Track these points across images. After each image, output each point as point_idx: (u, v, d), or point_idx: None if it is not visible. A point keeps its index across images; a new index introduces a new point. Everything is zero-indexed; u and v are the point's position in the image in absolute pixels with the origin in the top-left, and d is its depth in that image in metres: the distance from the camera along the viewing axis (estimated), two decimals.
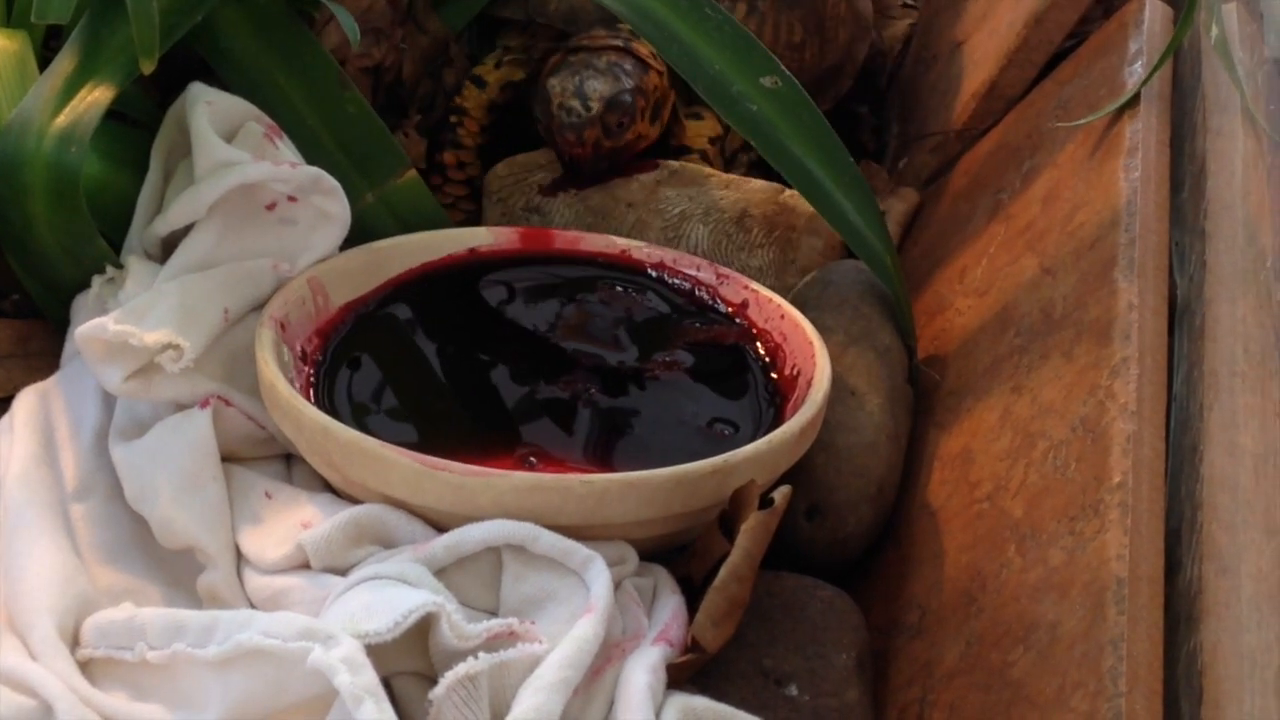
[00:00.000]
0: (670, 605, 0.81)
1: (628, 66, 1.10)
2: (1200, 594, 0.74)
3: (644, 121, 1.11)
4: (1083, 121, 1.05)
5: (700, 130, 1.16)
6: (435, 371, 0.96)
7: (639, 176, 1.12)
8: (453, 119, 1.18)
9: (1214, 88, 1.06)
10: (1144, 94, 1.03)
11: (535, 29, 1.21)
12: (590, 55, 1.10)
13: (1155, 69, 1.03)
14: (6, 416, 0.92)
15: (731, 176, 1.12)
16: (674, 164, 1.12)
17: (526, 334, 0.99)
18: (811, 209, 1.07)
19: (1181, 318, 0.92)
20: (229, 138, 0.96)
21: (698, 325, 1.00)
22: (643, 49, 1.12)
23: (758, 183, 1.12)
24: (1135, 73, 1.05)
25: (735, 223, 1.10)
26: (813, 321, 0.97)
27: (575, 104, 1.07)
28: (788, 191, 1.10)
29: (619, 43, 1.11)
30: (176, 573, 0.87)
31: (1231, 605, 0.73)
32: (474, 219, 1.16)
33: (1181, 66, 1.12)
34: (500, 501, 0.80)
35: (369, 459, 0.82)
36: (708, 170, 1.13)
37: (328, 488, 0.89)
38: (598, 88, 1.07)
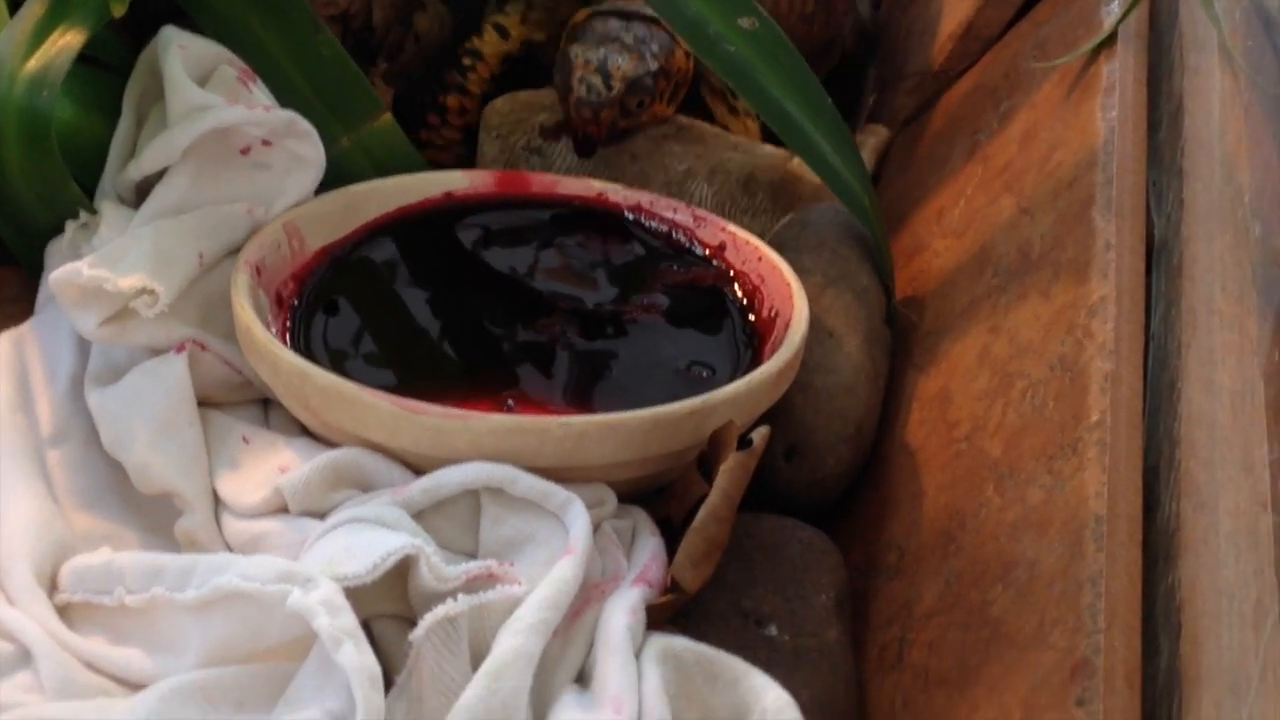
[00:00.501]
0: (649, 547, 0.81)
1: (654, 46, 1.06)
2: (1178, 530, 0.74)
3: (662, 103, 1.08)
4: (1059, 62, 1.05)
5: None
6: (412, 316, 0.96)
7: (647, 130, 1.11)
8: (466, 61, 1.16)
9: (1191, 26, 1.06)
10: (1121, 33, 1.02)
11: None
12: (619, 24, 1.07)
13: (1131, 7, 1.03)
14: None
15: (740, 139, 1.11)
16: (683, 119, 1.11)
17: (503, 278, 0.98)
18: (818, 180, 1.06)
19: (1159, 256, 0.92)
20: (202, 82, 0.95)
21: (675, 268, 1.00)
22: None
23: (767, 147, 1.11)
24: (1113, 12, 1.05)
25: (741, 185, 1.10)
26: (791, 263, 0.96)
27: (596, 81, 1.03)
28: (796, 160, 1.09)
29: (650, 13, 1.07)
30: (154, 518, 0.87)
31: (1209, 541, 0.73)
32: (468, 164, 1.15)
33: (1158, 4, 1.12)
34: (478, 444, 0.80)
35: (346, 402, 0.82)
36: (716, 130, 1.12)
37: (305, 432, 0.88)
38: (621, 65, 1.03)
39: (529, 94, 1.13)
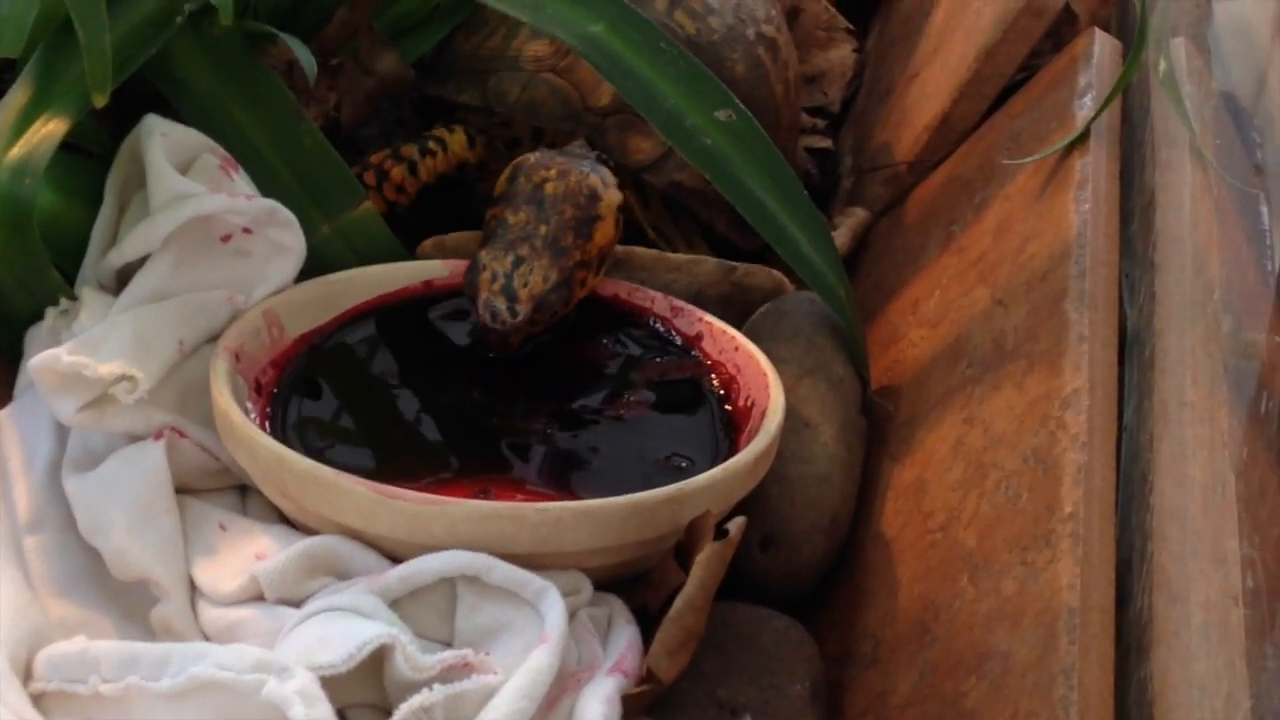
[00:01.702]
0: (625, 635, 0.82)
1: (570, 237, 0.99)
2: (1150, 623, 0.75)
3: (593, 279, 1.02)
4: (1032, 159, 1.06)
5: None
6: (391, 404, 0.96)
7: None
8: (430, 145, 1.16)
9: (1163, 121, 1.07)
10: (1094, 128, 1.04)
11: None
12: (534, 212, 0.99)
13: (1105, 104, 1.04)
14: None
15: (681, 258, 1.09)
16: (619, 250, 1.07)
17: (482, 367, 0.99)
18: (770, 282, 1.07)
19: (1131, 349, 0.92)
20: (184, 170, 0.96)
21: (653, 359, 1.00)
22: (606, 175, 1.04)
23: (709, 262, 1.09)
24: (1085, 106, 1.06)
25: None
26: (766, 353, 0.97)
27: (501, 306, 0.96)
28: (740, 269, 1.09)
29: (579, 171, 1.02)
30: (130, 605, 0.87)
31: (1181, 634, 0.74)
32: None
33: (1131, 100, 1.13)
34: (454, 530, 0.80)
35: (323, 488, 0.82)
36: (654, 253, 1.09)
37: (283, 519, 0.89)
38: (530, 281, 0.97)
39: (456, 237, 1.08)
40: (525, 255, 0.98)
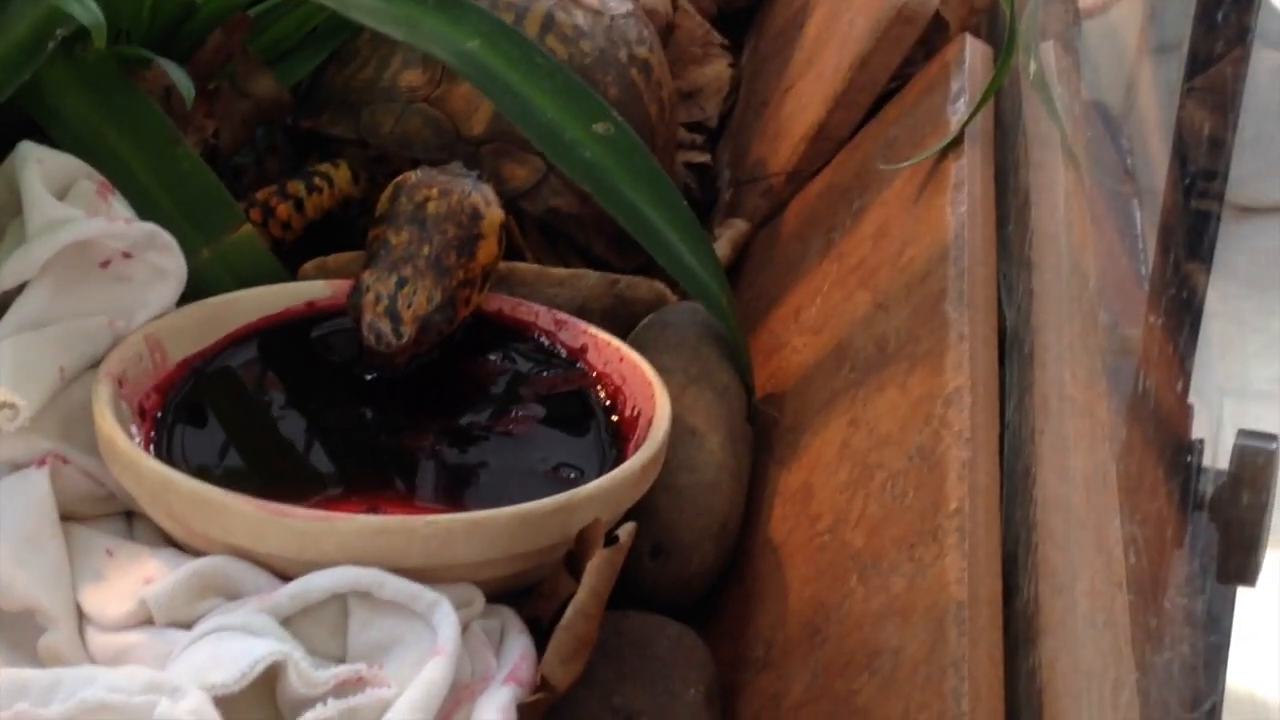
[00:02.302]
0: (518, 645, 0.82)
1: (453, 255, 0.98)
2: (1037, 613, 0.76)
3: (477, 296, 1.01)
4: (908, 164, 1.07)
5: None
6: (276, 426, 0.96)
7: None
8: (316, 181, 1.15)
9: (1035, 123, 1.08)
10: (967, 131, 1.05)
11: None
12: (416, 231, 0.98)
13: (977, 108, 1.06)
14: None
15: (563, 272, 1.09)
16: (502, 267, 1.06)
17: (368, 386, 0.98)
18: (652, 294, 1.07)
19: (1011, 346, 0.94)
20: (61, 195, 0.95)
21: (539, 372, 1.00)
22: (488, 193, 1.03)
23: (591, 276, 1.09)
24: (958, 110, 1.08)
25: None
26: (652, 363, 0.97)
27: (385, 328, 0.95)
28: (623, 281, 1.09)
29: (461, 190, 1.01)
30: (16, 635, 0.86)
31: (1067, 623, 0.75)
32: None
33: (1003, 104, 1.15)
34: (344, 546, 0.80)
35: (211, 508, 0.81)
36: (536, 269, 1.09)
37: (171, 543, 0.88)
38: (413, 302, 0.96)
39: (339, 258, 1.07)
40: (408, 276, 0.97)
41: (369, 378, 0.98)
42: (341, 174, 1.16)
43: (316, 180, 1.15)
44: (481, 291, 1.02)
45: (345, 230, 1.17)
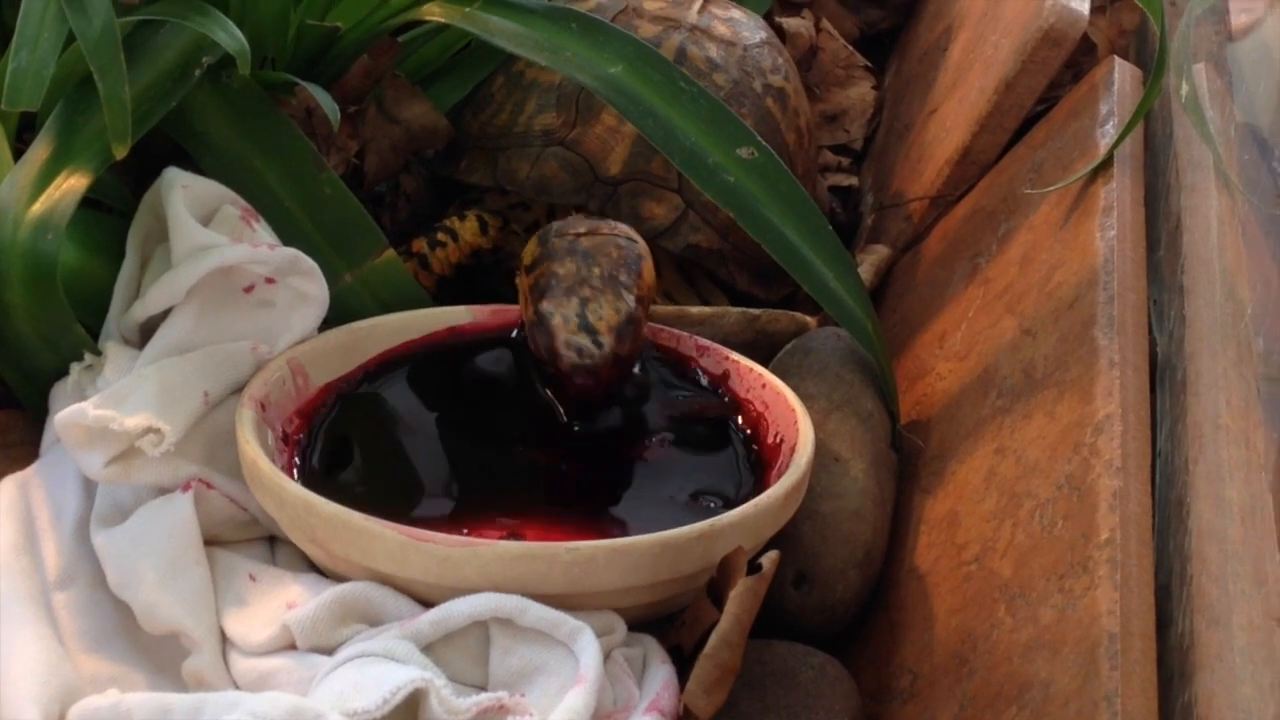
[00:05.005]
0: (661, 675, 0.81)
1: (623, 275, 0.97)
2: (1193, 647, 0.74)
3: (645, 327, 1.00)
4: (1055, 187, 1.05)
5: None
6: (418, 449, 0.96)
7: None
8: (440, 236, 1.16)
9: (1186, 146, 1.06)
10: (1117, 154, 1.03)
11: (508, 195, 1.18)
12: (581, 263, 0.97)
13: (1127, 130, 1.04)
14: None
15: (704, 311, 1.08)
16: None
17: (508, 410, 0.98)
18: (793, 326, 1.06)
19: (1163, 373, 0.92)
20: (205, 221, 0.96)
21: (680, 398, 1.00)
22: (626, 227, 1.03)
23: (731, 314, 1.08)
24: (1108, 133, 1.06)
25: None
26: (794, 389, 0.96)
27: (584, 341, 0.93)
28: (763, 315, 1.08)
29: (607, 224, 1.01)
30: (161, 659, 0.86)
31: (1224, 657, 0.73)
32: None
33: (1153, 125, 1.13)
34: (486, 572, 0.79)
35: (353, 533, 0.81)
36: (677, 309, 1.08)
37: (312, 568, 0.88)
38: (603, 314, 0.94)
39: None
40: (588, 295, 0.95)
41: (510, 401, 0.98)
42: (467, 226, 1.17)
43: (440, 235, 1.16)
44: (647, 316, 1.00)
45: (481, 276, 1.17)
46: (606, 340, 0.94)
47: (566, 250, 0.98)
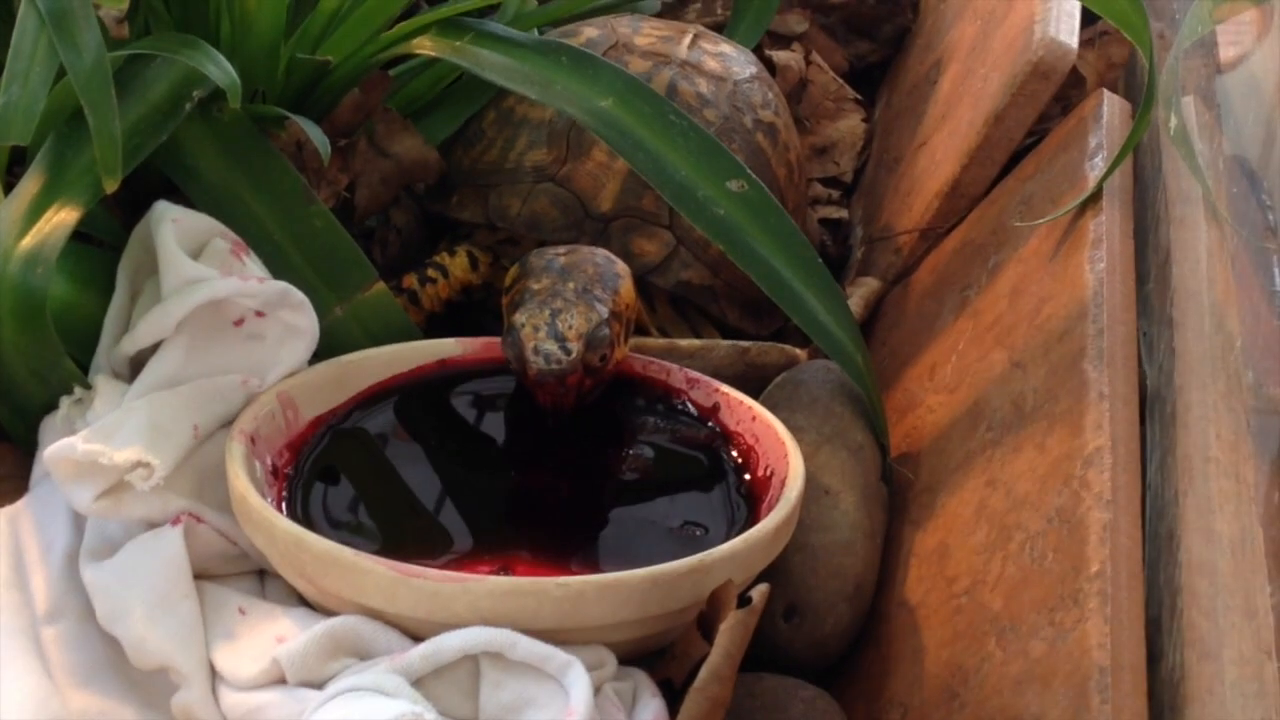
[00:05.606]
0: (651, 708, 0.81)
1: (598, 290, 0.98)
2: (1183, 680, 0.74)
3: (621, 346, 1.00)
4: (1045, 220, 1.06)
5: None
6: (408, 483, 0.96)
7: None
8: (430, 273, 1.16)
9: (1175, 179, 1.07)
10: (1106, 187, 1.03)
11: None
12: (557, 278, 0.98)
13: (1116, 163, 1.04)
14: None
15: (694, 344, 1.09)
16: (632, 342, 1.05)
17: (497, 443, 0.98)
18: (783, 359, 1.06)
19: (1153, 405, 0.92)
20: (195, 255, 0.96)
21: (670, 430, 1.00)
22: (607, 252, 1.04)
23: (721, 347, 1.09)
24: (1097, 166, 1.06)
25: None
26: (784, 422, 0.96)
27: (552, 347, 0.94)
28: (753, 348, 1.09)
29: (586, 248, 1.03)
30: (150, 694, 0.86)
31: (1215, 691, 0.73)
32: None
33: (1142, 158, 1.13)
34: (476, 607, 0.79)
35: (342, 568, 0.81)
36: (665, 342, 1.09)
37: (302, 602, 0.88)
38: (573, 323, 0.95)
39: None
40: (560, 307, 0.96)
41: (500, 435, 0.98)
42: (457, 262, 1.17)
43: (430, 272, 1.16)
44: (625, 341, 1.01)
45: (471, 312, 1.17)
46: (575, 347, 0.94)
47: (543, 268, 1.00)
